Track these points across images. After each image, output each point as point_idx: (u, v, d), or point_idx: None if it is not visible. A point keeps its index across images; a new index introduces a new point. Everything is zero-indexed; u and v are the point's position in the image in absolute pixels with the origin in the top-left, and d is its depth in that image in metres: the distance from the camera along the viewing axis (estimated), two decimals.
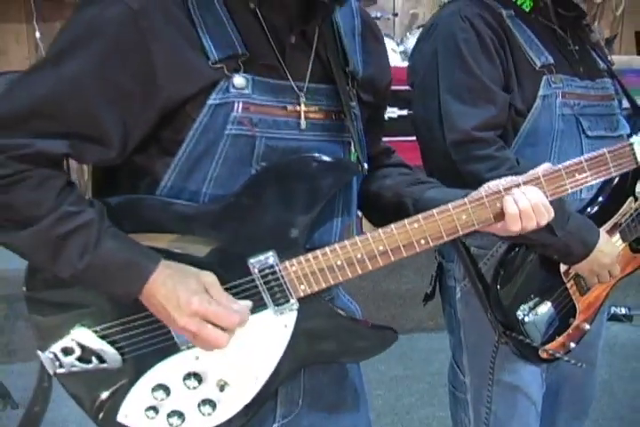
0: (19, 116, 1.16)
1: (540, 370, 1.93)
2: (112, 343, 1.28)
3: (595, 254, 1.73)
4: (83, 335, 1.28)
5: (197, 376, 1.29)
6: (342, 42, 1.40)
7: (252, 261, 1.26)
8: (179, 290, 1.19)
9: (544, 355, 1.84)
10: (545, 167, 1.37)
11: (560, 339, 1.86)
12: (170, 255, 1.24)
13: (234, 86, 1.23)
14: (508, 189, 1.32)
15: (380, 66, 1.48)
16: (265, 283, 1.26)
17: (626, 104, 2.03)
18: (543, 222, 1.33)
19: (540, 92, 1.76)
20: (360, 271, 1.28)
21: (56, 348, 1.28)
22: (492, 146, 1.72)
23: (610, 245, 1.77)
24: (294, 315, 1.30)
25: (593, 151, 1.78)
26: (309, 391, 1.43)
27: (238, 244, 1.26)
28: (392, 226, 1.28)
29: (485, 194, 1.32)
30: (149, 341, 1.28)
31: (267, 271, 1.26)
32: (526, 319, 1.78)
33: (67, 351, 1.28)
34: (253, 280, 1.26)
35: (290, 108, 1.29)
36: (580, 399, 2.16)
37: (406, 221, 1.28)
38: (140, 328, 1.27)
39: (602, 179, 1.43)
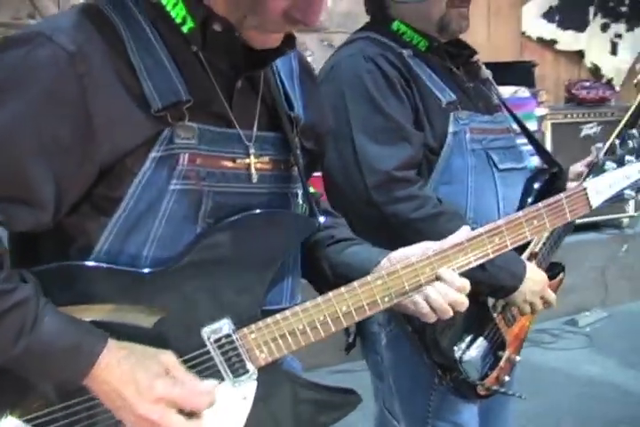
0: None
1: (476, 407, 1.92)
2: None
3: (525, 284, 1.75)
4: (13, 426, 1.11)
5: None
6: (284, 86, 1.32)
7: (205, 330, 1.15)
8: (137, 373, 1.07)
9: (482, 392, 1.83)
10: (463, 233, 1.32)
11: (494, 374, 1.85)
12: (113, 328, 1.11)
13: (178, 136, 1.12)
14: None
15: (320, 110, 1.40)
16: (222, 353, 1.16)
17: None
18: (463, 308, 1.30)
19: (450, 129, 1.77)
20: (323, 335, 1.21)
21: None
22: (414, 185, 1.71)
23: (537, 273, 1.80)
24: (254, 385, 1.20)
25: (506, 185, 1.83)
26: None
27: (188, 311, 1.15)
28: (355, 284, 1.21)
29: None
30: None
31: (223, 341, 1.16)
32: (464, 358, 1.76)
33: None
34: (208, 352, 1.15)
35: (239, 159, 1.20)
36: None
37: (369, 277, 1.22)
38: (82, 413, 1.12)
39: (558, 224, 1.44)
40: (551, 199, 1.43)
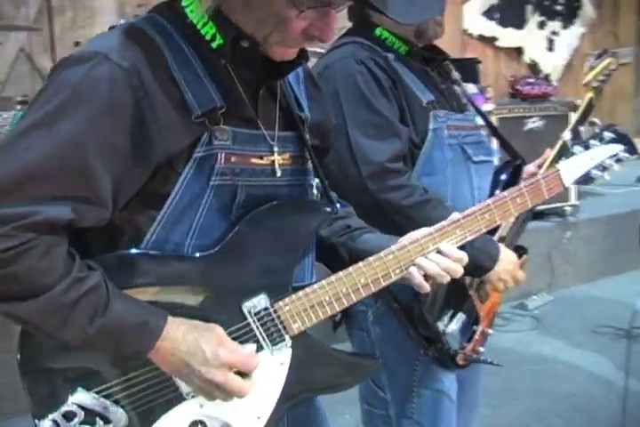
0: (17, 181, 1.14)
1: (454, 376, 2.12)
2: (116, 402, 1.28)
3: (499, 264, 1.95)
4: (84, 398, 1.27)
5: (203, 424, 1.33)
6: (293, 90, 1.49)
7: (246, 304, 1.32)
8: (202, 344, 1.24)
9: (461, 361, 2.03)
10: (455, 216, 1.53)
11: (471, 345, 2.06)
12: (166, 307, 1.27)
13: (216, 138, 1.28)
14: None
15: (324, 111, 1.58)
16: (261, 325, 1.33)
17: None
18: (459, 274, 1.48)
19: (431, 126, 1.97)
20: (346, 304, 1.39)
21: (56, 414, 1.26)
22: (404, 175, 1.91)
23: (509, 254, 2.00)
24: (289, 352, 1.37)
25: (480, 175, 2.04)
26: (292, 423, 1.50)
27: (230, 290, 1.32)
28: (370, 259, 1.40)
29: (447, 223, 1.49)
30: (153, 395, 1.30)
31: (262, 314, 1.33)
32: (447, 330, 1.96)
33: (68, 416, 1.27)
34: (249, 324, 1.32)
35: (265, 156, 1.36)
36: (473, 400, 2.37)
37: (382, 253, 1.41)
38: (143, 384, 1.29)
39: (538, 202, 1.64)
40: (530, 180, 1.64)
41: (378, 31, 2.03)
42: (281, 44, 1.33)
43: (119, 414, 1.29)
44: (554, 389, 3.74)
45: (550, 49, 6.95)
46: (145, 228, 1.29)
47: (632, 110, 7.67)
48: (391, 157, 1.89)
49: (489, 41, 6.73)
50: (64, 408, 1.27)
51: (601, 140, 1.87)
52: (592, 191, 5.78)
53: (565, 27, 7.02)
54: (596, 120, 2.05)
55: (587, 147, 1.86)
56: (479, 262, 1.91)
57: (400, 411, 2.09)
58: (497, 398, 3.53)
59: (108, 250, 1.29)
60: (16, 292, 1.16)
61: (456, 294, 2.01)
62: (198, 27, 1.32)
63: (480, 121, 2.19)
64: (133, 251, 1.29)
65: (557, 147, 2.14)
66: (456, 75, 2.20)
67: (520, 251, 2.22)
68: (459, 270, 1.47)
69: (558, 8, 6.97)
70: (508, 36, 6.75)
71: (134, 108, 1.21)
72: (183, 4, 1.33)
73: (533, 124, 5.20)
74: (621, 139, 1.86)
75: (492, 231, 2.06)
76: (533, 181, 1.64)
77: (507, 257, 1.98)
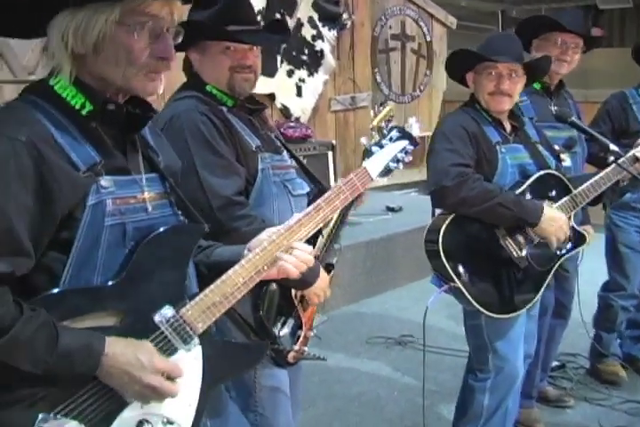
0: None
1: (286, 373, 2.53)
2: (74, 418, 1.52)
3: (317, 282, 2.35)
4: (47, 422, 1.49)
5: (147, 422, 1.62)
6: (146, 139, 1.79)
7: (156, 317, 1.63)
8: (140, 355, 1.55)
9: (291, 359, 2.45)
10: (297, 217, 1.93)
11: (297, 347, 2.49)
12: (97, 330, 1.55)
13: (102, 187, 1.58)
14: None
15: (170, 154, 1.87)
16: (173, 330, 1.65)
17: None
18: (311, 263, 1.90)
19: (259, 167, 2.40)
20: (233, 301, 1.74)
21: None
22: (246, 207, 2.31)
23: (324, 274, 2.42)
24: (199, 348, 1.71)
25: (298, 207, 2.48)
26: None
27: (140, 307, 1.62)
28: (242, 261, 1.76)
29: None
30: (104, 404, 1.56)
31: (171, 321, 1.65)
32: (281, 334, 2.38)
33: None
34: (162, 332, 1.63)
35: (139, 196, 1.67)
36: (298, 395, 2.82)
37: (250, 255, 1.78)
38: (94, 397, 1.55)
39: (356, 194, 2.11)
40: (345, 179, 2.09)
41: (208, 88, 2.44)
42: (139, 76, 1.60)
43: None
44: (344, 392, 4.24)
45: (299, 94, 7.53)
46: (59, 270, 1.55)
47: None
48: (236, 191, 2.30)
49: None
50: None
51: (390, 139, 2.35)
52: (350, 220, 6.38)
53: (311, 74, 7.65)
54: (383, 125, 2.55)
55: (381, 146, 2.33)
56: (306, 279, 2.30)
57: (244, 406, 2.46)
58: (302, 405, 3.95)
59: (27, 291, 1.53)
60: None
61: (286, 304, 2.43)
62: (68, 99, 1.60)
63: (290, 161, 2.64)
64: (56, 290, 1.54)
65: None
66: (272, 122, 2.64)
67: (329, 267, 2.68)
68: (311, 259, 1.89)
69: (304, 58, 7.60)
70: (262, 84, 7.26)
71: (37, 173, 1.48)
72: (51, 83, 1.62)
73: None
74: (405, 135, 2.35)
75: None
76: (348, 180, 2.09)
77: (322, 276, 2.39)
